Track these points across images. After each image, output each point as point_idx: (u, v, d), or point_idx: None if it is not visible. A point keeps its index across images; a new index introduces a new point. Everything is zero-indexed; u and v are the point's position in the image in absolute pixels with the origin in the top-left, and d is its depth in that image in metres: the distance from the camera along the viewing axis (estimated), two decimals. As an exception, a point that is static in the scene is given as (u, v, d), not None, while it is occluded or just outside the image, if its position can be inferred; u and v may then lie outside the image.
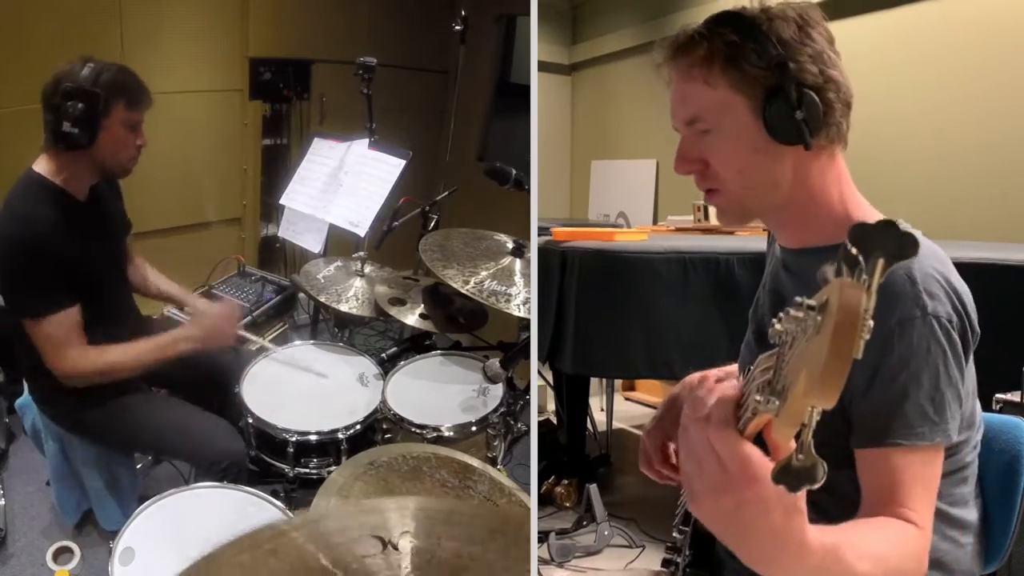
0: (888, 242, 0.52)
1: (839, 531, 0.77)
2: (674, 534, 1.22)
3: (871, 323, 0.51)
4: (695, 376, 1.25)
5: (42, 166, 1.76)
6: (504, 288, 1.98)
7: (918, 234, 1.02)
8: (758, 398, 0.59)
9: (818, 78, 0.99)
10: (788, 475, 0.57)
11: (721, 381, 1.22)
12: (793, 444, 0.57)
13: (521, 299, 1.97)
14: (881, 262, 0.52)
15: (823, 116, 0.99)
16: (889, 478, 0.92)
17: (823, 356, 0.50)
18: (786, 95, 0.97)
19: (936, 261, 0.98)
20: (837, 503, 0.90)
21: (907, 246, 0.53)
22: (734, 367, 1.31)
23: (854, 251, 0.52)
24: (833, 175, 1.05)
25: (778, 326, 0.58)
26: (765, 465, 0.63)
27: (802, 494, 0.64)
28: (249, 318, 2.39)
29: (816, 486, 0.57)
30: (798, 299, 0.55)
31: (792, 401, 0.54)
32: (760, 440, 0.65)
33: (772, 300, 1.15)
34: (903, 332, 0.92)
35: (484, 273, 2.02)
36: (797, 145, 1.00)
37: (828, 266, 0.54)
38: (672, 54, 1.05)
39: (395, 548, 0.91)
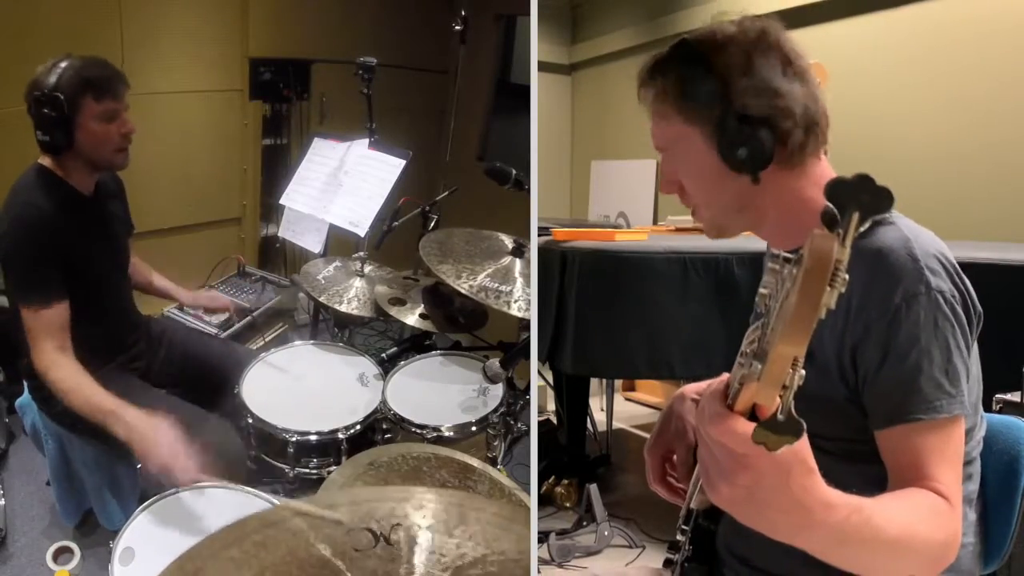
0: (863, 195, 0.53)
1: (863, 498, 0.76)
2: (678, 535, 1.22)
3: (846, 276, 0.52)
4: (686, 387, 1.25)
5: (47, 161, 1.78)
6: (504, 287, 1.98)
7: (908, 220, 1.03)
8: (741, 362, 0.59)
9: (764, 109, 0.99)
10: (768, 433, 0.57)
11: (703, 390, 1.24)
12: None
13: (520, 299, 1.96)
14: (856, 215, 0.53)
15: (775, 145, 1.00)
16: (912, 455, 0.92)
17: (793, 302, 0.51)
18: (729, 129, 1.00)
19: (934, 241, 1.00)
20: None
21: (882, 199, 0.54)
22: (725, 377, 1.31)
23: (830, 205, 0.53)
24: (815, 179, 1.06)
25: (763, 291, 0.59)
26: None
27: (810, 454, 0.65)
28: (249, 318, 2.39)
29: (795, 442, 0.58)
30: (773, 251, 0.56)
31: (772, 361, 0.55)
32: None
33: None
34: (909, 308, 0.93)
35: (483, 275, 2.02)
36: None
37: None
38: (640, 84, 1.10)
39: (388, 542, 0.91)
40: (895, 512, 0.80)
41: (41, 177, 1.75)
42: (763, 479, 0.64)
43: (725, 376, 1.29)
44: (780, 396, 0.57)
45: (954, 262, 0.99)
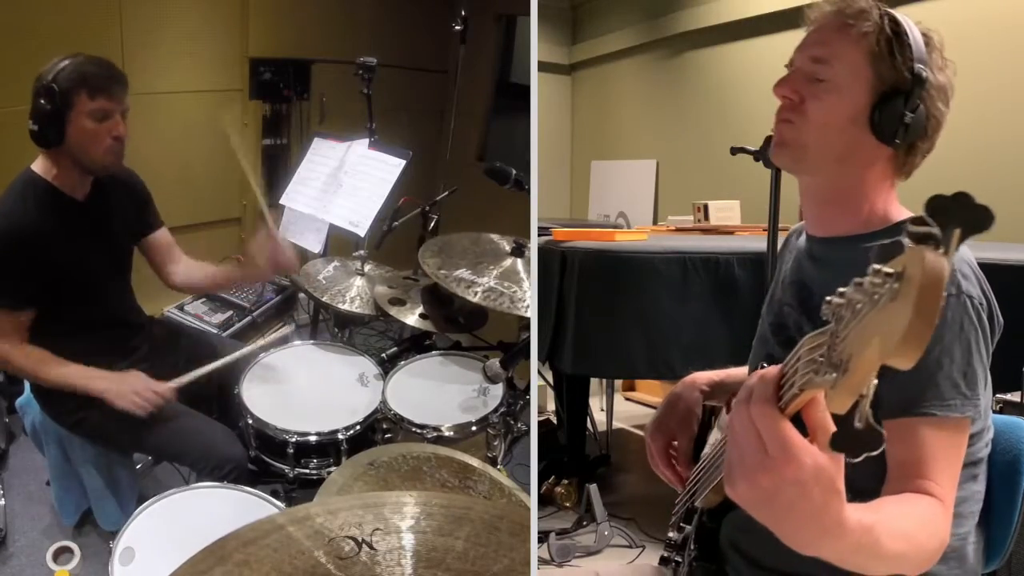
0: (966, 214, 0.54)
1: (874, 510, 0.78)
2: (670, 533, 1.22)
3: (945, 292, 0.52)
4: (697, 375, 1.26)
5: (38, 164, 1.77)
6: (511, 289, 1.97)
7: None
8: (810, 372, 0.60)
9: (939, 111, 1.08)
10: (848, 441, 0.58)
11: (714, 381, 1.25)
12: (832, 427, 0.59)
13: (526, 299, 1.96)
14: (958, 232, 0.53)
15: (920, 137, 1.06)
16: (917, 451, 0.93)
17: (906, 319, 0.51)
18: (906, 99, 1.03)
19: (964, 248, 1.00)
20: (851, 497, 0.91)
21: (984, 218, 0.54)
22: (734, 370, 1.31)
23: (931, 223, 0.53)
24: (889, 180, 1.10)
25: (838, 300, 0.58)
26: (804, 446, 0.64)
27: (840, 476, 0.66)
28: (249, 318, 2.39)
29: (876, 452, 0.58)
30: (875, 267, 0.55)
31: (855, 371, 0.55)
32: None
33: (795, 291, 1.18)
34: None
35: (488, 278, 2.01)
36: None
37: (885, 242, 0.55)
38: (841, 6, 1.07)
39: (371, 548, 0.90)
40: (901, 527, 0.81)
41: (27, 184, 1.74)
42: (783, 488, 0.64)
43: (734, 370, 1.30)
44: (858, 403, 0.57)
45: (981, 271, 1.01)
